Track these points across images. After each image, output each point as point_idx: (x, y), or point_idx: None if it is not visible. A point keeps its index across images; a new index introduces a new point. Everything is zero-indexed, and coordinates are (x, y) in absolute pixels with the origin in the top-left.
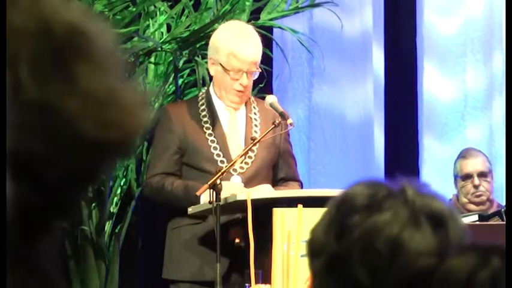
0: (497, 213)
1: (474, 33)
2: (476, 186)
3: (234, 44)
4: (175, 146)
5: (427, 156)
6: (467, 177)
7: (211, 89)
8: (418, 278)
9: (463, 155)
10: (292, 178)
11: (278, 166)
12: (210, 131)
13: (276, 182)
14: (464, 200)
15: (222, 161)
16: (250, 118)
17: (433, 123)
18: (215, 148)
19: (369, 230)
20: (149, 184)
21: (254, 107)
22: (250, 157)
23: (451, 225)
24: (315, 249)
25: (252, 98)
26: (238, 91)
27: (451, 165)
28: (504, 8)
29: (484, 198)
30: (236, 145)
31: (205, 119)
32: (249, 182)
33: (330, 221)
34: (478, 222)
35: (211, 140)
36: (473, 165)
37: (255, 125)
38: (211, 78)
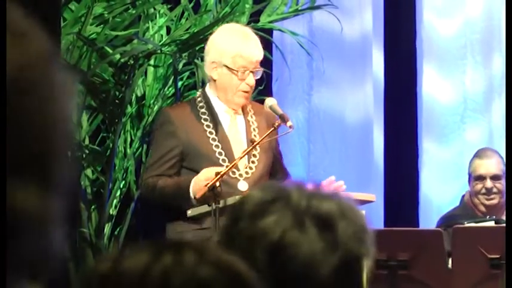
0: None
1: (474, 35)
2: (488, 189)
3: (239, 45)
4: (178, 151)
5: (426, 158)
6: (480, 178)
7: (208, 91)
8: None
9: (479, 154)
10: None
11: (275, 169)
12: (213, 136)
13: None
14: (476, 200)
15: (227, 166)
16: (249, 121)
17: (433, 126)
18: (220, 153)
19: (250, 237)
20: (145, 184)
21: (250, 110)
22: (253, 162)
23: (340, 226)
24: None
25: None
26: (244, 91)
27: (451, 167)
28: (504, 9)
29: (495, 201)
30: (240, 149)
31: (206, 123)
32: (255, 187)
33: (223, 227)
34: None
35: (215, 145)
36: (487, 167)
37: (253, 129)
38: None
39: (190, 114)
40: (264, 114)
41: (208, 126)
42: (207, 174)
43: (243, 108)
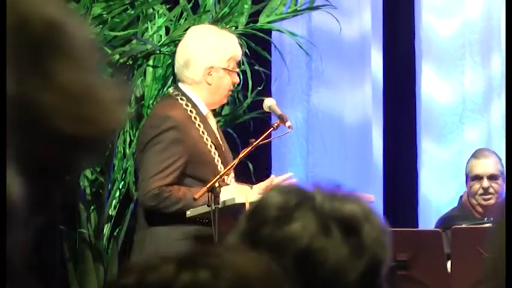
0: None
1: (472, 36)
2: (485, 189)
3: (233, 47)
4: (184, 159)
5: (425, 158)
6: (476, 178)
7: (188, 93)
8: None
9: (476, 155)
10: None
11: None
12: (210, 142)
13: None
14: (474, 201)
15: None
16: (216, 123)
17: (432, 126)
18: (218, 160)
19: (278, 244)
20: (150, 197)
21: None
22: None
23: (365, 229)
24: None
25: None
26: (230, 91)
27: (450, 167)
28: (503, 10)
29: (491, 202)
30: (226, 151)
31: (201, 129)
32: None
33: (243, 232)
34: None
35: (213, 152)
36: (484, 167)
37: (219, 128)
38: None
39: (187, 118)
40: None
41: (203, 132)
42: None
43: None
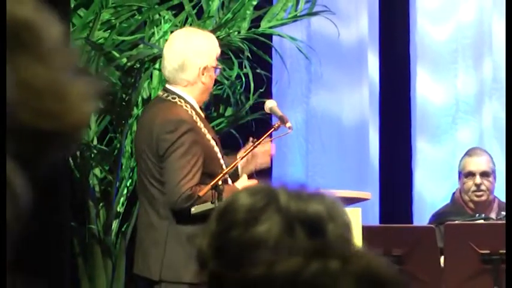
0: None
1: (465, 41)
2: (477, 185)
3: (217, 45)
4: (203, 158)
5: (420, 158)
6: (470, 175)
7: (184, 95)
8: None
9: (469, 153)
10: None
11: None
12: (212, 140)
13: None
14: (466, 197)
15: (225, 167)
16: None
17: (426, 127)
18: (219, 155)
19: (244, 246)
20: (185, 198)
21: None
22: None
23: (329, 228)
24: (199, 261)
25: None
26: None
27: (443, 166)
28: (494, 16)
29: (483, 198)
30: (220, 148)
31: (203, 128)
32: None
33: (213, 233)
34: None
35: (215, 147)
36: (477, 164)
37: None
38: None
39: (192, 119)
40: None
41: (205, 131)
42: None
43: None
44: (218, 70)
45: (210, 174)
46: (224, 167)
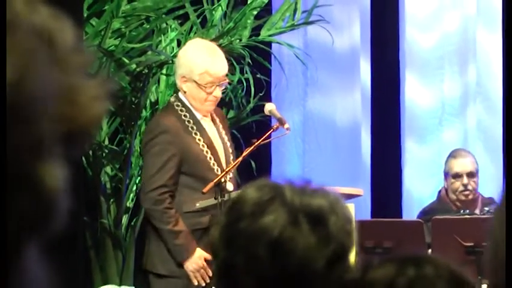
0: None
1: (450, 48)
2: (465, 185)
3: (207, 63)
4: (177, 160)
5: (408, 157)
6: (457, 176)
7: (184, 100)
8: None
9: (454, 154)
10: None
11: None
12: (202, 142)
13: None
14: (453, 196)
15: (217, 169)
16: (216, 124)
17: (414, 128)
18: (210, 158)
19: (252, 236)
20: (151, 198)
21: (212, 113)
22: (233, 160)
23: (331, 220)
24: (212, 252)
25: None
26: (213, 102)
27: (430, 165)
28: (477, 25)
29: (470, 197)
30: (220, 152)
31: (194, 131)
32: (236, 186)
33: (223, 225)
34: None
35: (206, 151)
36: (463, 165)
37: (222, 130)
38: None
39: (178, 122)
40: (220, 115)
41: (196, 133)
42: (197, 264)
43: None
44: (213, 89)
45: (195, 175)
46: (222, 167)
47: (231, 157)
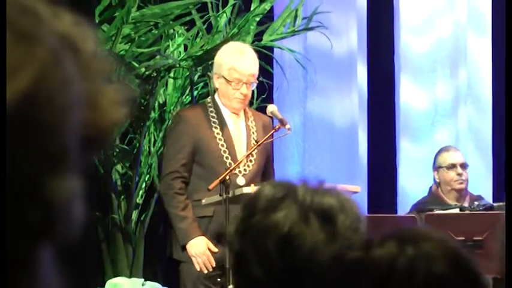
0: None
1: (443, 53)
2: (460, 174)
3: (234, 60)
4: (189, 148)
5: (403, 156)
6: (452, 166)
7: (216, 98)
8: (345, 271)
9: (445, 149)
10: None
11: (265, 168)
12: (220, 136)
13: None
14: (447, 188)
15: (230, 163)
16: (249, 125)
17: (408, 128)
18: (224, 151)
19: (263, 230)
20: (164, 183)
21: (251, 116)
22: (251, 161)
23: (340, 218)
24: (228, 244)
25: (247, 109)
26: (239, 99)
27: (424, 163)
28: (468, 31)
29: (463, 186)
30: (240, 148)
31: (215, 125)
32: (251, 182)
33: (240, 218)
34: (459, 212)
35: (221, 144)
36: (456, 157)
37: (253, 132)
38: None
39: (201, 116)
40: (262, 121)
41: (216, 127)
42: (198, 249)
43: (245, 114)
44: (240, 86)
45: (205, 166)
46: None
47: (252, 157)
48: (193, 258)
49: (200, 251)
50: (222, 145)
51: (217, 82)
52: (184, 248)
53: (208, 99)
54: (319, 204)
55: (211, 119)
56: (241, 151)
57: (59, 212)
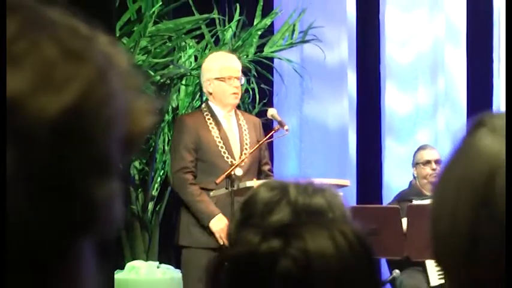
0: None
1: (423, 62)
2: (434, 169)
3: (221, 61)
4: (192, 146)
5: (387, 153)
6: (427, 162)
7: (210, 103)
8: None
9: (423, 147)
10: (271, 171)
11: (262, 160)
12: (217, 135)
13: (260, 173)
14: (424, 181)
15: (227, 157)
16: (240, 124)
17: (393, 129)
18: (222, 147)
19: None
20: (177, 178)
21: (241, 117)
22: (245, 154)
23: (329, 216)
24: (229, 243)
25: (237, 111)
26: (235, 93)
27: (406, 160)
28: (446, 43)
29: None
30: (235, 144)
31: (211, 126)
32: (247, 171)
33: (238, 220)
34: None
35: (218, 142)
36: (431, 154)
37: (244, 130)
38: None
39: (199, 119)
40: (251, 120)
41: (213, 128)
42: (219, 225)
43: (236, 115)
44: (233, 81)
45: (206, 161)
46: (234, 157)
47: (246, 150)
48: (216, 234)
49: (221, 227)
50: (219, 142)
51: (210, 87)
52: (207, 227)
53: (204, 106)
54: (309, 205)
55: (208, 121)
56: (236, 146)
57: (101, 212)
